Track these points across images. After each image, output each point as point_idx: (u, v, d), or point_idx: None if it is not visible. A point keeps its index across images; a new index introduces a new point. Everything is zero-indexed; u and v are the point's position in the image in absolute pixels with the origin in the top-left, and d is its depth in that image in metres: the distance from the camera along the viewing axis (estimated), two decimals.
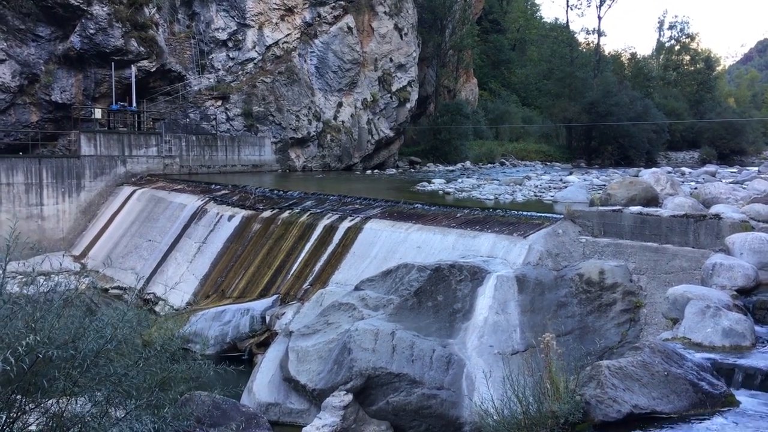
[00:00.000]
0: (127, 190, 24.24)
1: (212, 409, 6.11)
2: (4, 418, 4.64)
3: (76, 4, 24.77)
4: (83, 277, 17.82)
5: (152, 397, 5.23)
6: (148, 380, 5.33)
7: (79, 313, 5.13)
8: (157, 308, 16.69)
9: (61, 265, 19.10)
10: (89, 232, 23.53)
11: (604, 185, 19.38)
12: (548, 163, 49.37)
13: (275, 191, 19.97)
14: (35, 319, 4.67)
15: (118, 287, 18.70)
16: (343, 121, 35.25)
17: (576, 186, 20.33)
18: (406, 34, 38.45)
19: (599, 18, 62.35)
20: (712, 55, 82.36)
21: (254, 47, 32.04)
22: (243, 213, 18.08)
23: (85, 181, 24.17)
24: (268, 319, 13.91)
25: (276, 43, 32.57)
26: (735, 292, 9.30)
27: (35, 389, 4.68)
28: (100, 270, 20.18)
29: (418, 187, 23.25)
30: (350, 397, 9.03)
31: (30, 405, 4.80)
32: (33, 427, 4.82)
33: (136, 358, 5.37)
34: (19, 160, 22.60)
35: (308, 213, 16.70)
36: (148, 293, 17.64)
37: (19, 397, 4.71)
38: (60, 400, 4.89)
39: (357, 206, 16.72)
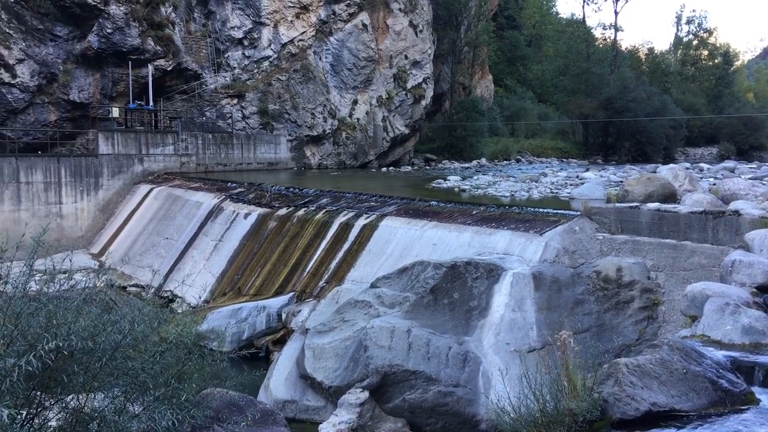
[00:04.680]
0: (144, 188, 24.42)
1: (229, 405, 6.14)
2: (24, 414, 4.69)
3: (93, 3, 24.99)
4: (101, 275, 17.95)
5: (169, 390, 5.26)
6: (164, 373, 5.37)
7: (98, 310, 5.19)
8: (174, 305, 16.80)
9: (76, 263, 19.26)
10: (107, 230, 23.74)
11: (621, 182, 19.23)
12: (564, 160, 49.03)
13: (291, 189, 20.02)
14: (56, 316, 4.72)
15: (136, 285, 18.84)
16: (358, 119, 35.28)
17: (593, 182, 20.16)
18: (421, 31, 38.37)
19: (616, 13, 62.12)
20: (731, 50, 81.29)
21: (269, 45, 32.13)
22: (259, 211, 18.15)
23: (103, 179, 24.39)
24: (284, 316, 13.97)
25: (291, 41, 32.65)
26: (755, 289, 9.18)
27: (55, 384, 4.73)
28: (118, 268, 20.34)
29: (434, 185, 23.23)
30: (366, 394, 9.04)
31: (50, 401, 4.85)
32: (53, 423, 4.87)
33: (153, 351, 5.41)
34: (38, 159, 22.85)
35: (324, 210, 16.72)
36: (166, 291, 17.77)
37: (39, 393, 4.76)
38: (79, 396, 4.94)
39: (372, 203, 16.71)
